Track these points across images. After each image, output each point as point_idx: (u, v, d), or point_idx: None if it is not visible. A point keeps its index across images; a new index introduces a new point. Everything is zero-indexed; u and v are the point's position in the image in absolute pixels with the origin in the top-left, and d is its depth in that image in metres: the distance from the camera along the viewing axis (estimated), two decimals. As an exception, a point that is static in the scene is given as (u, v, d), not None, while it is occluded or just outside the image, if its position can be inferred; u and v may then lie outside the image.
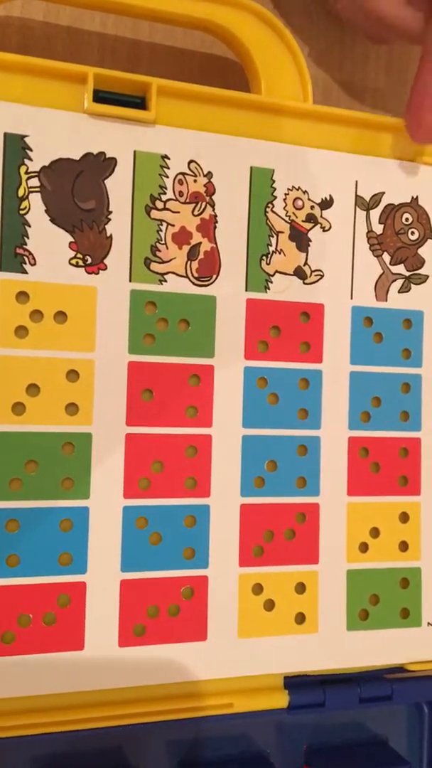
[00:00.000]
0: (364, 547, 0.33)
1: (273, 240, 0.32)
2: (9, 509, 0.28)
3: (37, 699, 0.28)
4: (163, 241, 0.30)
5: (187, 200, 0.30)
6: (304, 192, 0.32)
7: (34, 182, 0.28)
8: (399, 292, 0.34)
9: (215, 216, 0.31)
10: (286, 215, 0.32)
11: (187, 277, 0.30)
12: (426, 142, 0.32)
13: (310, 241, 0.32)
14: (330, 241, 0.33)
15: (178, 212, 0.30)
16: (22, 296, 0.28)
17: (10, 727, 0.27)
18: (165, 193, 0.30)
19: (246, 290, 0.31)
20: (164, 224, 0.30)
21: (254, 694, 0.30)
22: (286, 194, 0.32)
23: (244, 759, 0.32)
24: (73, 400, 0.29)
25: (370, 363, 0.33)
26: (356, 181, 0.33)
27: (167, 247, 0.30)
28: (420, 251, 0.34)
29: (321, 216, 0.32)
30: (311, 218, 0.32)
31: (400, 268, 0.34)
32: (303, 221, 0.32)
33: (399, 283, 0.34)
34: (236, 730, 0.32)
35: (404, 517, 0.33)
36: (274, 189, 0.32)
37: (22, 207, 0.28)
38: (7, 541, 0.28)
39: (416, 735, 0.34)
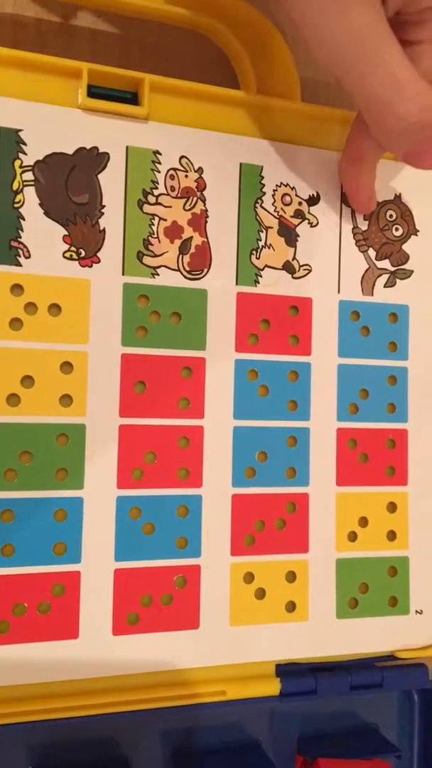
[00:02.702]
0: (353, 537, 0.33)
1: (262, 235, 0.32)
2: (4, 499, 0.28)
3: (31, 687, 0.28)
4: (155, 235, 0.30)
5: (179, 195, 0.31)
6: (292, 188, 0.33)
7: (29, 176, 0.29)
8: (385, 286, 0.34)
9: (206, 211, 0.31)
10: (274, 211, 0.32)
11: (179, 270, 0.31)
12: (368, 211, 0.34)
13: (298, 236, 0.33)
14: (317, 236, 0.33)
15: (170, 207, 0.31)
16: (17, 289, 0.28)
17: (5, 715, 0.27)
18: (157, 188, 0.30)
19: (236, 284, 0.32)
20: (156, 218, 0.30)
21: (246, 681, 0.31)
22: (274, 190, 0.32)
23: (237, 747, 0.32)
24: (67, 391, 0.29)
25: (357, 356, 0.34)
26: (342, 178, 0.34)
27: (159, 241, 0.31)
28: (404, 247, 0.35)
29: (308, 212, 0.33)
30: (299, 214, 0.33)
31: (385, 264, 0.35)
32: (291, 217, 0.33)
33: (384, 278, 0.35)
34: (229, 718, 0.32)
35: (392, 507, 0.34)
36: (263, 185, 0.32)
37: (16, 200, 0.28)
38: (1, 531, 0.28)
39: (407, 722, 0.35)
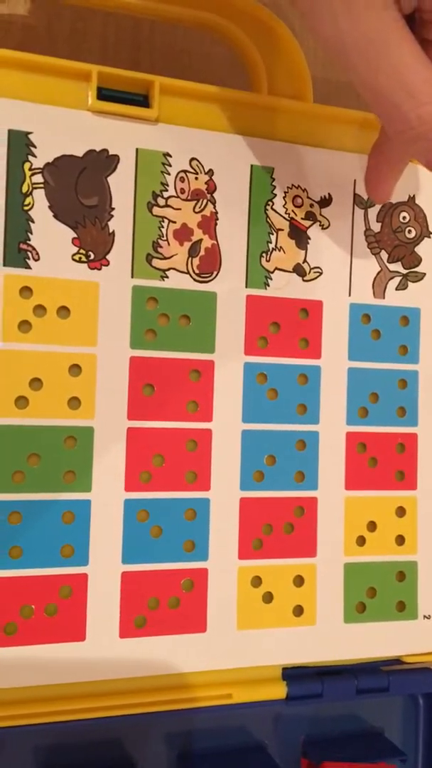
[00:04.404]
0: (361, 541, 0.33)
1: (273, 237, 0.32)
2: (12, 501, 0.28)
3: (38, 689, 0.28)
4: (164, 238, 0.30)
5: (189, 197, 0.31)
6: (304, 190, 0.33)
7: (38, 178, 0.28)
8: (396, 289, 0.34)
9: (216, 213, 0.31)
10: (285, 213, 0.32)
11: (188, 273, 0.31)
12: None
13: (309, 238, 0.33)
14: (329, 238, 0.33)
15: (180, 209, 0.31)
16: (26, 291, 0.28)
17: (12, 717, 0.27)
18: (167, 190, 0.30)
19: (246, 287, 0.32)
20: (166, 221, 0.30)
21: (253, 685, 0.31)
22: (285, 192, 0.32)
23: (242, 750, 0.32)
24: (76, 394, 0.29)
25: (367, 359, 0.34)
26: (354, 180, 0.33)
27: (169, 244, 0.30)
28: (417, 249, 0.35)
29: (320, 214, 0.33)
30: (310, 216, 0.33)
31: (397, 266, 0.34)
32: (302, 219, 0.33)
33: (396, 280, 0.34)
34: (235, 722, 0.32)
35: (401, 512, 0.34)
36: (274, 187, 0.32)
37: (26, 203, 0.28)
38: (9, 532, 0.28)
39: (412, 726, 0.35)
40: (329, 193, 0.33)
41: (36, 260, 0.29)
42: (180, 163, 0.30)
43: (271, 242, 0.32)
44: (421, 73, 0.24)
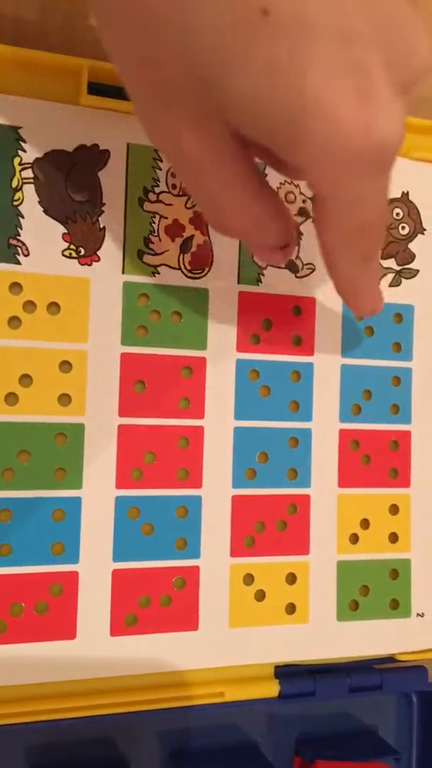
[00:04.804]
0: (354, 539, 0.33)
1: (265, 233, 0.32)
2: (1, 499, 0.28)
3: (28, 688, 0.28)
4: (156, 233, 0.30)
5: (180, 193, 0.31)
6: (296, 186, 0.32)
7: (28, 174, 0.28)
8: (390, 286, 0.34)
9: (208, 209, 0.31)
10: (278, 209, 0.32)
11: (180, 269, 0.31)
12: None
13: (302, 234, 0.33)
14: (321, 235, 0.33)
15: (171, 204, 0.30)
16: (16, 287, 0.28)
17: (2, 716, 0.27)
18: (158, 186, 0.30)
19: (238, 283, 0.31)
20: (157, 216, 0.30)
21: (245, 683, 0.31)
22: (278, 188, 0.32)
23: (234, 749, 0.32)
24: (66, 390, 0.29)
25: (361, 356, 0.33)
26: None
27: (160, 240, 0.30)
28: (410, 246, 0.35)
29: (312, 210, 0.33)
30: (303, 212, 0.33)
31: (390, 263, 0.34)
32: (295, 215, 0.32)
33: (390, 277, 0.34)
34: (227, 720, 0.32)
35: (394, 509, 0.34)
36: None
37: (15, 198, 0.28)
38: (-1, 530, 0.28)
39: (405, 725, 0.34)
40: (322, 189, 0.33)
41: (26, 256, 0.28)
42: (171, 158, 0.30)
43: (263, 238, 0.32)
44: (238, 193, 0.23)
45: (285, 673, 0.31)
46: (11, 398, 0.28)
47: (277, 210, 0.24)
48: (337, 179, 0.20)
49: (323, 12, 0.17)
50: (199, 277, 0.31)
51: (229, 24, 0.17)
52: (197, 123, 0.20)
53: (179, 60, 0.18)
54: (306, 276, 0.32)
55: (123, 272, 0.30)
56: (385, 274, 0.34)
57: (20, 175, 0.28)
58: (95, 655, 0.29)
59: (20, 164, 0.28)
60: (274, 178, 0.31)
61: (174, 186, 0.30)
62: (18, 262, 0.28)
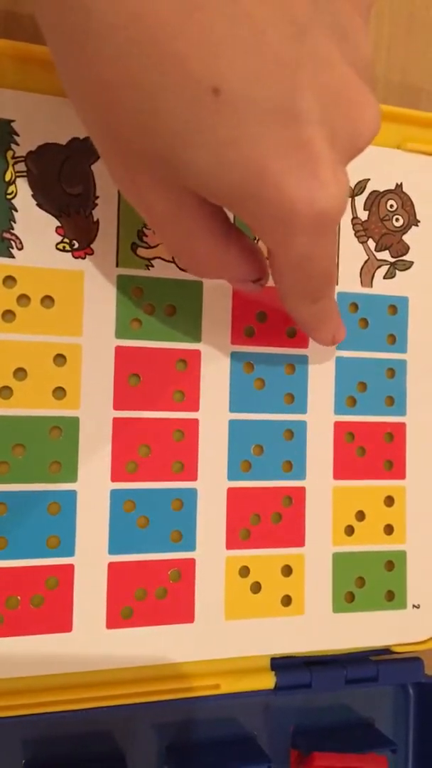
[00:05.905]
0: (349, 531, 0.33)
1: (259, 226, 0.32)
2: (-3, 492, 0.28)
3: (24, 680, 0.28)
4: (149, 227, 0.30)
5: (174, 186, 0.30)
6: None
7: (21, 167, 0.28)
8: (384, 278, 0.34)
9: (201, 201, 0.31)
10: (272, 201, 0.32)
11: (173, 262, 0.31)
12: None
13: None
14: (316, 227, 0.33)
15: (165, 197, 0.30)
16: (9, 281, 0.28)
17: (-1, 708, 0.27)
18: (151, 179, 0.30)
19: (232, 276, 0.31)
20: (151, 209, 0.30)
21: (241, 675, 0.31)
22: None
23: (231, 741, 0.32)
24: (61, 384, 0.29)
25: (355, 348, 0.33)
26: (341, 168, 0.33)
27: (154, 233, 0.30)
28: (404, 238, 0.35)
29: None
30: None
31: (385, 255, 0.34)
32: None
33: (384, 269, 0.34)
34: (223, 713, 0.32)
35: (389, 501, 0.34)
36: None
37: (8, 192, 0.28)
38: (-6, 524, 0.28)
39: (402, 717, 0.35)
40: (316, 182, 0.33)
41: (19, 249, 0.28)
42: (165, 151, 0.30)
43: (257, 231, 0.32)
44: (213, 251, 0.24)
45: (281, 665, 0.31)
46: (5, 392, 0.28)
47: (245, 251, 0.25)
48: (285, 241, 0.21)
49: (271, 93, 0.18)
50: (193, 270, 0.31)
51: (184, 103, 0.18)
52: (158, 181, 0.21)
53: (138, 134, 0.19)
54: (300, 268, 0.32)
55: (117, 265, 0.30)
56: (379, 266, 0.34)
57: (13, 168, 0.28)
58: (91, 648, 0.29)
59: (13, 157, 0.28)
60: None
61: (167, 179, 0.30)
62: (12, 256, 0.28)
